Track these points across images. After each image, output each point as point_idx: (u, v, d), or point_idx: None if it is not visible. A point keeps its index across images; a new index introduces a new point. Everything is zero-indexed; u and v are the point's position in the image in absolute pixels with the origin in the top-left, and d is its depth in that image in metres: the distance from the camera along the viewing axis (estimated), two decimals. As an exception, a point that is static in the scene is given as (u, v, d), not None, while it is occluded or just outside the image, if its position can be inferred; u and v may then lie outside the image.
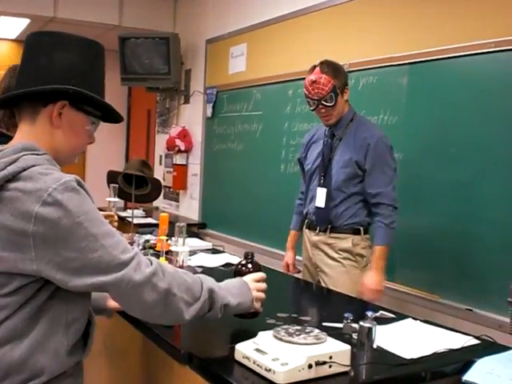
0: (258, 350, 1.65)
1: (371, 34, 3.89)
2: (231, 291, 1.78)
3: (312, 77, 3.13)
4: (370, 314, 1.85)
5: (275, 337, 1.69)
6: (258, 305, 1.89)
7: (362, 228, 3.20)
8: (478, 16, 3.18)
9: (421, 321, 2.20)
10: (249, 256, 2.06)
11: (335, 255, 3.19)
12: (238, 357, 1.68)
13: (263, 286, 1.92)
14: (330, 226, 3.22)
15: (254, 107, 5.21)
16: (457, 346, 1.93)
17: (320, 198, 3.23)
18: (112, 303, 1.97)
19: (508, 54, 3.01)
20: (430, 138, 3.44)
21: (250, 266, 2.03)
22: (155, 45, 6.05)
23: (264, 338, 1.71)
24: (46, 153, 1.57)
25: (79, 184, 1.51)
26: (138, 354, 2.12)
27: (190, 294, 1.63)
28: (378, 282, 3.06)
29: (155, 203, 6.69)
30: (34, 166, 1.49)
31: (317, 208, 3.25)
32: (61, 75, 1.60)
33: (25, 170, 1.48)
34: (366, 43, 3.92)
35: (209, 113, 5.91)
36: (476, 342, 1.99)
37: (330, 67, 3.15)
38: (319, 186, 3.26)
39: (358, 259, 3.18)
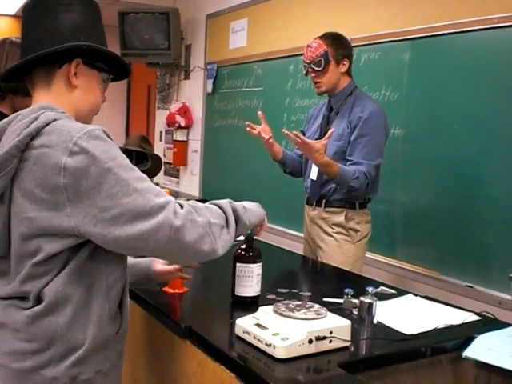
0: (258, 324, 1.65)
1: (373, 9, 3.85)
2: (240, 202, 1.78)
3: (310, 41, 3.20)
4: (370, 289, 1.85)
5: (275, 312, 1.69)
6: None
7: (357, 202, 3.19)
8: (481, -9, 3.15)
9: (421, 297, 2.21)
10: (249, 241, 2.05)
11: (329, 229, 3.21)
12: (238, 332, 1.69)
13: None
14: (324, 201, 3.23)
15: (254, 83, 5.19)
16: (457, 322, 1.93)
17: (314, 170, 3.23)
18: (159, 268, 1.97)
19: (511, 29, 2.98)
20: (432, 114, 3.42)
21: (250, 250, 2.02)
22: (155, 20, 6.01)
23: (264, 313, 1.71)
24: (64, 111, 1.56)
25: (104, 133, 1.50)
26: (139, 329, 2.13)
27: (222, 217, 1.61)
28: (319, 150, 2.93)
29: (156, 179, 6.66)
30: (55, 120, 1.48)
31: (311, 181, 3.26)
32: (70, 34, 1.59)
33: (47, 124, 1.47)
34: (368, 18, 3.88)
35: (209, 88, 5.89)
36: (476, 318, 1.99)
37: (330, 36, 3.19)
38: None
39: (351, 233, 3.18)
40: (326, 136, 2.94)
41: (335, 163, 2.99)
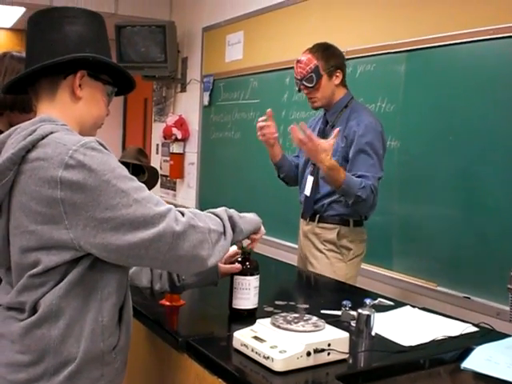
0: (256, 337, 1.64)
1: (369, 21, 3.87)
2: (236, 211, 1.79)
3: (300, 56, 3.12)
4: (368, 301, 1.84)
5: (273, 324, 1.68)
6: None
7: (351, 219, 3.09)
8: (476, 3, 3.16)
9: (419, 308, 2.20)
10: (246, 253, 2.04)
11: (320, 246, 3.12)
12: (236, 345, 1.68)
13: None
14: (318, 216, 3.14)
15: (251, 95, 5.20)
16: (455, 333, 1.92)
17: (308, 185, 3.16)
18: (223, 268, 1.98)
19: (506, 40, 3.00)
20: (428, 125, 3.43)
21: (247, 262, 2.01)
22: (151, 33, 6.03)
23: (262, 325, 1.70)
24: (65, 124, 1.56)
25: (101, 144, 1.49)
26: (135, 342, 2.11)
27: (220, 225, 1.62)
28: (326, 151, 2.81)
29: (152, 192, 6.65)
30: (51, 132, 1.48)
31: (305, 196, 3.19)
32: (75, 46, 1.59)
33: (43, 137, 1.47)
34: (364, 30, 3.90)
35: (206, 101, 5.90)
36: (474, 329, 1.99)
37: (320, 48, 3.10)
38: (310, 174, 3.19)
39: (342, 251, 3.08)
40: (333, 135, 2.83)
41: (341, 168, 2.88)
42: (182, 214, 1.53)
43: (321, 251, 3.11)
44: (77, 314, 1.49)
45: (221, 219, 1.65)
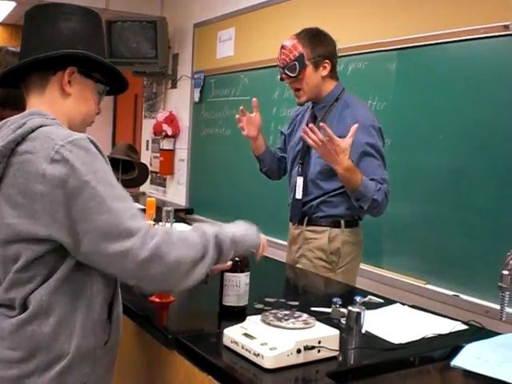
0: (246, 334, 1.63)
1: (360, 19, 3.87)
2: (234, 227, 1.75)
3: (285, 41, 2.85)
4: (358, 298, 1.84)
5: (263, 321, 1.67)
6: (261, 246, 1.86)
7: (342, 220, 2.88)
8: (467, 2, 3.17)
9: (409, 306, 2.20)
10: None
11: (308, 253, 2.93)
12: (226, 342, 1.67)
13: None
14: (307, 218, 2.94)
15: (241, 92, 5.19)
16: (445, 331, 1.93)
17: (298, 188, 2.93)
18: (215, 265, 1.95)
19: (497, 39, 3.01)
20: (419, 124, 3.43)
21: (237, 259, 2.00)
22: (142, 29, 6.00)
23: (252, 322, 1.69)
24: (54, 118, 1.55)
25: (92, 143, 1.48)
26: (125, 339, 2.10)
27: (200, 249, 1.57)
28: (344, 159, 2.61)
29: (142, 188, 6.66)
30: (41, 126, 1.47)
31: (294, 200, 2.97)
32: (67, 42, 1.59)
33: (33, 130, 1.46)
34: (355, 28, 3.90)
35: (196, 97, 5.88)
36: (464, 327, 1.99)
37: (307, 34, 2.83)
38: (298, 174, 2.96)
39: (331, 259, 2.86)
40: (351, 133, 2.59)
41: (357, 169, 2.67)
42: (157, 235, 1.49)
43: (309, 259, 2.93)
44: (67, 310, 1.49)
45: (206, 242, 1.60)
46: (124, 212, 1.45)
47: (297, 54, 2.79)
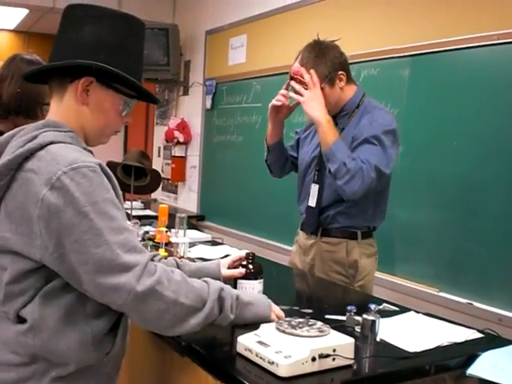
0: (260, 342, 1.62)
1: (372, 26, 3.87)
2: (246, 293, 1.75)
3: (292, 69, 2.74)
4: (373, 306, 1.83)
5: (278, 329, 1.66)
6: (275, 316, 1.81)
7: (359, 232, 2.81)
8: (481, 8, 3.16)
9: (423, 314, 2.19)
10: (250, 256, 2.02)
11: (325, 267, 2.84)
12: (240, 349, 1.66)
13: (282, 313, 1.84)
14: (321, 229, 2.85)
15: (253, 99, 5.19)
16: (460, 339, 1.91)
17: (313, 195, 2.84)
18: (227, 273, 1.95)
19: (510, 46, 2.99)
20: (432, 130, 3.42)
21: (250, 266, 2.00)
22: (154, 36, 6.02)
23: (266, 330, 1.68)
24: (70, 130, 1.52)
25: (102, 170, 1.46)
26: (137, 346, 2.10)
27: (199, 299, 1.56)
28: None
29: (154, 195, 6.67)
30: (52, 142, 1.45)
31: (308, 207, 2.87)
32: (89, 50, 1.53)
33: (42, 146, 1.44)
34: (368, 35, 3.90)
35: (208, 104, 5.89)
36: (479, 335, 1.97)
37: (310, 56, 2.70)
38: (313, 181, 2.86)
39: (349, 272, 2.79)
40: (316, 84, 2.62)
41: (336, 132, 2.62)
42: (156, 269, 1.47)
43: (325, 273, 2.84)
44: (60, 325, 1.47)
45: (208, 295, 1.58)
46: (121, 246, 1.42)
47: None
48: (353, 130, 2.73)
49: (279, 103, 2.88)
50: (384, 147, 2.63)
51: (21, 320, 1.48)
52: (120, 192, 1.55)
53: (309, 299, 2.63)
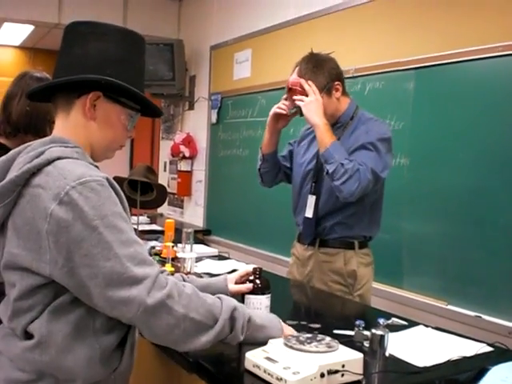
0: (268, 358, 1.61)
1: (377, 39, 3.87)
2: (256, 312, 1.73)
3: (290, 81, 2.80)
4: (381, 321, 1.82)
5: (286, 345, 1.65)
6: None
7: (356, 241, 2.85)
8: (485, 20, 3.16)
9: (432, 328, 2.17)
10: (257, 271, 2.01)
11: (324, 277, 2.88)
12: (248, 365, 1.65)
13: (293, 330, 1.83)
14: (319, 240, 2.89)
15: (259, 113, 5.19)
16: (470, 353, 1.89)
17: (310, 206, 2.89)
18: (234, 288, 1.94)
19: (516, 57, 2.99)
20: (438, 143, 3.41)
21: (258, 281, 1.99)
22: (159, 51, 6.05)
23: (274, 346, 1.67)
24: (77, 146, 1.53)
25: (109, 183, 1.46)
26: (145, 362, 2.09)
27: (211, 316, 1.55)
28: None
29: (160, 210, 6.67)
30: (59, 158, 1.45)
31: (305, 218, 2.92)
32: (95, 65, 1.54)
33: (49, 162, 1.44)
34: (372, 48, 3.90)
35: (213, 119, 5.90)
36: (489, 349, 1.95)
37: (308, 67, 2.77)
38: (310, 193, 2.92)
39: (348, 282, 2.83)
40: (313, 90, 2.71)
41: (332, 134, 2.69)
42: (167, 283, 1.47)
43: (325, 283, 2.88)
44: (69, 341, 1.46)
45: (220, 313, 1.57)
46: (131, 259, 1.42)
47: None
48: (347, 141, 2.78)
49: (282, 111, 2.91)
50: (380, 153, 2.70)
51: (28, 336, 1.48)
52: (127, 206, 1.55)
53: (316, 314, 2.61)
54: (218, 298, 1.63)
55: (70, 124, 1.58)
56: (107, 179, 1.47)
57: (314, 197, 2.89)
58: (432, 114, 3.46)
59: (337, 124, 2.86)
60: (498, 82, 3.11)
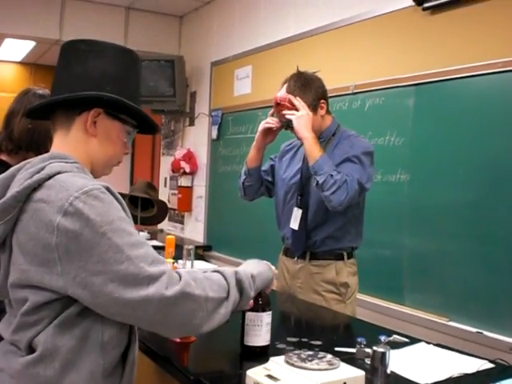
0: (269, 376, 1.60)
1: (376, 56, 3.89)
2: (249, 266, 1.77)
3: (278, 96, 2.90)
4: (383, 338, 1.81)
5: (287, 362, 1.65)
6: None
7: (345, 253, 2.95)
8: (484, 36, 3.18)
9: (434, 344, 2.17)
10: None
11: (317, 287, 2.94)
12: (249, 383, 1.64)
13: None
14: (309, 252, 2.97)
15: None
16: (471, 370, 1.89)
17: (295, 219, 2.97)
18: None
19: (515, 74, 3.01)
20: (438, 159, 3.42)
21: (259, 298, 1.98)
22: (160, 67, 6.08)
23: (276, 363, 1.66)
24: (76, 161, 1.54)
25: (109, 191, 1.47)
26: (145, 380, 2.09)
27: (222, 289, 1.58)
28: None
29: (160, 225, 6.66)
30: (59, 172, 1.46)
31: (292, 231, 2.99)
32: (95, 82, 1.57)
33: (50, 177, 1.45)
34: (372, 64, 3.92)
35: (214, 135, 5.92)
36: (491, 365, 1.95)
37: (297, 84, 2.89)
38: (296, 206, 2.99)
39: (341, 291, 2.92)
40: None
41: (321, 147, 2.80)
42: (180, 277, 1.49)
43: (318, 293, 2.94)
44: (73, 355, 1.46)
45: (227, 283, 1.61)
46: (144, 259, 1.43)
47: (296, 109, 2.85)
48: (331, 155, 2.86)
49: (271, 125, 3.01)
50: (364, 166, 2.83)
51: (31, 350, 1.47)
52: (129, 214, 1.55)
53: (317, 330, 2.60)
54: (217, 271, 1.66)
55: (71, 140, 1.59)
56: (108, 188, 1.49)
57: (301, 210, 2.97)
58: (432, 129, 3.47)
59: (320, 139, 2.93)
60: (497, 98, 3.12)
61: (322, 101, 2.93)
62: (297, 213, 2.98)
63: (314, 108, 2.89)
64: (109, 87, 1.57)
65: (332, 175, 2.71)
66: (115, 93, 1.58)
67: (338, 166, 2.80)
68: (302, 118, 2.81)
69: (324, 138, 2.96)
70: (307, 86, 2.90)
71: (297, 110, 2.84)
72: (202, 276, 1.57)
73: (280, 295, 3.07)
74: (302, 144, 2.97)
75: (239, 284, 1.64)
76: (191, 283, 1.49)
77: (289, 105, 2.86)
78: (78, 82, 1.57)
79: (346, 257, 2.95)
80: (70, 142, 1.59)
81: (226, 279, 1.61)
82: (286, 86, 2.94)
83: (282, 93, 2.92)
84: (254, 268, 1.76)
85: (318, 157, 2.76)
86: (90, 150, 1.61)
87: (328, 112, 3.01)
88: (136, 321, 1.50)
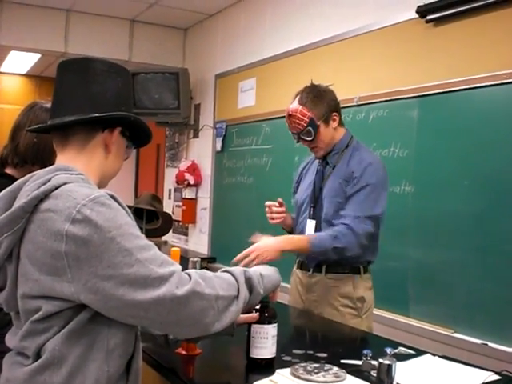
0: (276, 388, 1.61)
1: (380, 68, 3.90)
2: (257, 268, 1.80)
3: (290, 108, 2.92)
4: (389, 350, 1.81)
5: (293, 375, 1.65)
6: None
7: (361, 266, 2.91)
8: (488, 47, 3.19)
9: (439, 356, 2.16)
10: (263, 301, 2.01)
11: (334, 301, 2.90)
12: (255, 395, 1.65)
13: None
14: (325, 266, 2.92)
15: (263, 141, 5.22)
16: (477, 382, 1.88)
17: (309, 231, 2.95)
18: (240, 318, 1.90)
19: (520, 85, 3.01)
20: (442, 170, 3.42)
21: (264, 311, 1.99)
22: (165, 80, 6.11)
23: (282, 376, 1.67)
24: (81, 173, 1.56)
25: (113, 198, 1.50)
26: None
27: (232, 287, 1.61)
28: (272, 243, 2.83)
29: (164, 237, 6.66)
30: (65, 183, 1.48)
31: None
32: (114, 102, 1.64)
33: (56, 187, 1.47)
34: (376, 76, 3.93)
35: (218, 147, 5.93)
36: (496, 377, 1.94)
37: (309, 96, 2.90)
38: (309, 217, 2.99)
39: (357, 305, 2.88)
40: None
41: (304, 236, 2.89)
42: (190, 277, 1.51)
43: (335, 308, 2.89)
44: (80, 362, 1.46)
45: (237, 281, 1.63)
46: (153, 260, 1.45)
47: (307, 120, 2.87)
48: (344, 167, 2.92)
49: (278, 220, 3.11)
50: (372, 189, 2.83)
51: (39, 357, 1.47)
52: (134, 222, 1.57)
53: (323, 343, 2.60)
54: (225, 271, 1.68)
55: (85, 155, 1.63)
56: (112, 196, 1.51)
57: (314, 221, 2.97)
58: (436, 141, 3.48)
59: (333, 151, 2.98)
60: (502, 110, 3.13)
61: (335, 113, 2.94)
62: (310, 224, 2.98)
63: (325, 120, 2.90)
64: (124, 107, 1.65)
65: (335, 247, 2.75)
66: (128, 111, 1.66)
67: (349, 198, 2.84)
68: (264, 248, 2.87)
69: (337, 150, 2.98)
70: (319, 98, 2.91)
71: (304, 122, 2.87)
72: (212, 275, 1.59)
73: (293, 310, 3.06)
74: (316, 158, 3.06)
75: (248, 282, 1.66)
76: (201, 282, 1.51)
77: (299, 115, 2.87)
78: (100, 102, 1.62)
79: (362, 271, 2.92)
80: (83, 157, 1.62)
81: (235, 277, 1.63)
82: (298, 97, 2.95)
83: (294, 105, 2.93)
84: (262, 269, 1.80)
85: (308, 245, 2.79)
86: (104, 165, 1.66)
87: (341, 124, 3.01)
88: (148, 322, 1.51)
